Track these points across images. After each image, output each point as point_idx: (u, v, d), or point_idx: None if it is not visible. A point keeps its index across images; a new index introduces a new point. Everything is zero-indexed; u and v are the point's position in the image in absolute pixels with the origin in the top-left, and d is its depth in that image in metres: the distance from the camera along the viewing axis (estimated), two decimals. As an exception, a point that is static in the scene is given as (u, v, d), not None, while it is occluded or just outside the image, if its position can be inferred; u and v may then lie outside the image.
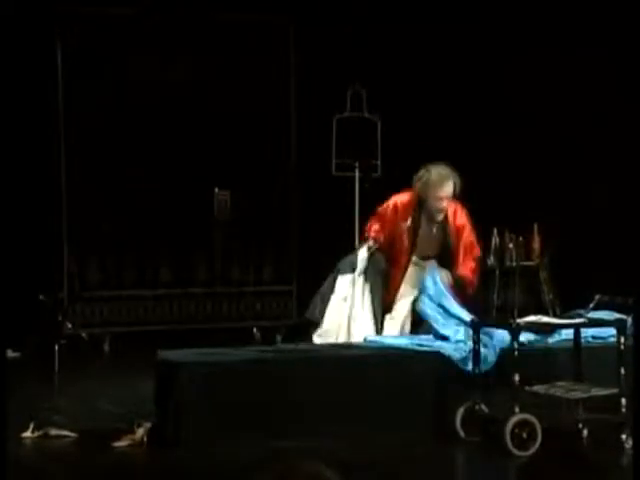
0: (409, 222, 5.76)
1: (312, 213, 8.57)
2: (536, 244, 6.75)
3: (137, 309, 8.19)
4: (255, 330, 8.34)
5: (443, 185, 5.67)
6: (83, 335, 8.00)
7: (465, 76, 8.11)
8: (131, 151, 8.17)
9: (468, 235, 5.77)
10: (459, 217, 5.78)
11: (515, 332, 5.01)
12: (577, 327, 5.22)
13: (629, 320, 5.03)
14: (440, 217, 5.75)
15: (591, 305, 5.25)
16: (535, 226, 6.94)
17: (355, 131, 8.45)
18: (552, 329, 5.27)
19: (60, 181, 8.07)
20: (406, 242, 5.77)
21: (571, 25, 7.58)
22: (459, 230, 5.76)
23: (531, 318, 5.20)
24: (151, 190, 8.19)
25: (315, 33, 8.45)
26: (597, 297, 5.25)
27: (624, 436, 4.95)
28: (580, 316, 5.23)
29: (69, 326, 7.89)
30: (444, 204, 5.68)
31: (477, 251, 5.77)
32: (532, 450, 4.89)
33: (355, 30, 8.43)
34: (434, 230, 5.79)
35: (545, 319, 5.25)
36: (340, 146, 8.48)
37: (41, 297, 7.70)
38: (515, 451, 4.89)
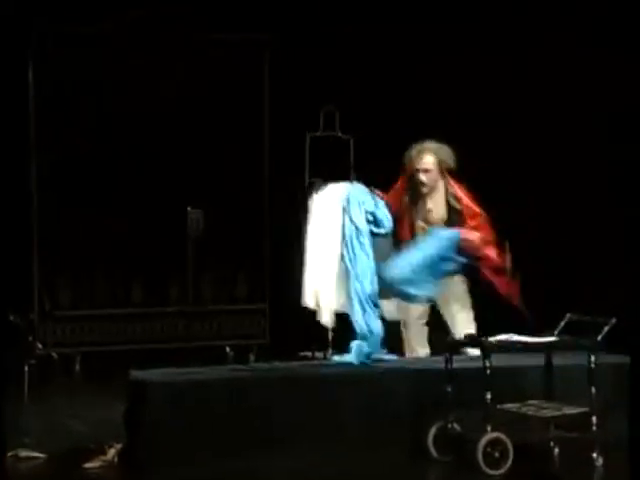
0: (406, 198, 5.97)
1: (285, 232, 8.58)
2: (508, 262, 6.77)
3: (108, 328, 8.15)
4: (228, 349, 8.31)
5: (421, 158, 5.88)
6: (53, 355, 7.95)
7: (437, 97, 8.16)
8: (103, 169, 8.15)
9: (467, 203, 5.89)
10: (457, 190, 5.92)
11: (487, 351, 5.03)
12: (548, 346, 5.25)
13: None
14: (424, 190, 5.89)
15: (562, 324, 5.28)
16: (506, 244, 6.96)
17: (328, 150, 8.48)
18: (523, 348, 5.30)
19: (31, 199, 8.03)
20: (406, 216, 5.95)
21: (526, 43, 7.64)
22: (458, 200, 5.90)
23: (502, 337, 5.22)
24: (123, 209, 8.16)
25: (289, 52, 8.49)
26: (568, 316, 5.29)
27: (595, 454, 4.98)
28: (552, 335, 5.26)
29: (39, 346, 7.83)
30: (423, 177, 5.83)
31: (480, 216, 5.86)
32: (504, 469, 4.90)
33: (329, 49, 8.47)
34: (429, 204, 5.91)
35: (516, 337, 5.28)
36: (313, 165, 8.50)
37: (11, 317, 7.64)
38: (487, 470, 4.90)
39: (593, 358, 5.05)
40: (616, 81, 6.94)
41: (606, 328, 5.06)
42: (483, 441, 4.90)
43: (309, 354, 8.07)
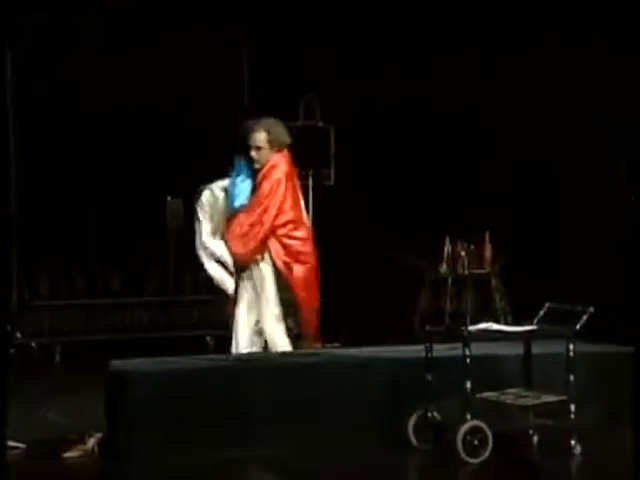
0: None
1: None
2: (488, 252, 6.81)
3: (88, 318, 8.12)
4: (208, 339, 8.31)
5: (251, 134, 5.72)
6: (33, 345, 7.92)
7: (416, 84, 8.17)
8: (82, 159, 8.12)
9: (261, 190, 5.68)
10: (267, 170, 5.72)
11: (467, 340, 5.05)
12: (527, 335, 5.28)
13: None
14: (256, 165, 5.76)
15: (541, 313, 5.31)
16: (487, 234, 7.00)
17: (308, 140, 8.47)
18: (503, 337, 5.32)
19: (9, 189, 7.98)
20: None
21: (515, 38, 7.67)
22: (259, 183, 5.72)
23: (482, 326, 5.25)
24: (103, 198, 8.14)
25: (268, 41, 8.47)
26: (547, 305, 5.31)
27: (573, 442, 5.01)
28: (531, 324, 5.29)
29: (18, 335, 7.80)
30: (254, 154, 5.72)
31: (257, 209, 5.66)
32: (483, 457, 4.93)
33: (308, 38, 8.46)
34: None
35: (496, 327, 5.30)
36: (293, 155, 8.49)
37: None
38: (467, 458, 4.93)
39: (571, 347, 5.08)
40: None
41: (584, 317, 5.09)
42: (463, 429, 4.92)
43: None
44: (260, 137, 5.68)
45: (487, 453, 4.92)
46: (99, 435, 5.14)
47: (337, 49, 8.44)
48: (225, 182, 5.88)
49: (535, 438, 5.20)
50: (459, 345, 5.04)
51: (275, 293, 5.71)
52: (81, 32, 8.06)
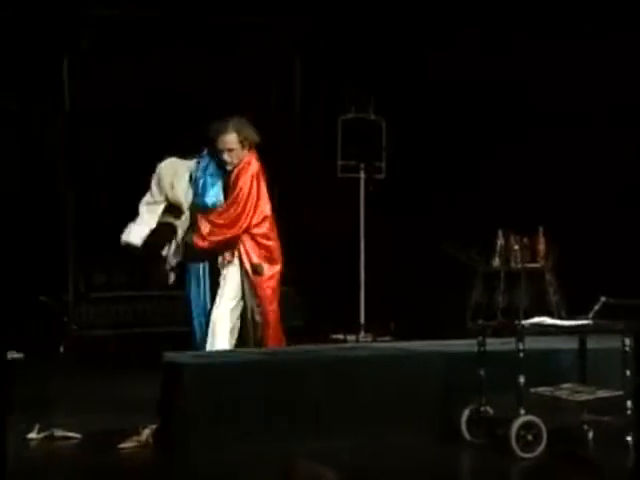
0: None
1: (317, 214, 8.58)
2: (541, 246, 6.73)
3: (143, 310, 8.20)
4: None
5: (221, 137, 5.61)
6: (88, 336, 8.01)
7: (471, 77, 8.11)
8: (136, 153, 8.18)
9: (237, 190, 5.58)
10: (242, 169, 5.62)
11: (520, 334, 5.01)
12: (582, 330, 5.22)
13: None
14: (229, 167, 5.66)
15: (596, 307, 5.25)
16: (540, 228, 6.92)
17: (360, 133, 8.46)
18: (557, 331, 5.27)
19: (66, 182, 8.09)
20: None
21: (566, 26, 7.57)
22: (234, 182, 5.62)
23: (535, 320, 5.20)
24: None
25: (321, 34, 8.47)
26: (602, 299, 5.25)
27: (629, 438, 4.95)
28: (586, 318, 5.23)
29: (74, 327, 7.90)
30: (227, 156, 5.61)
31: (232, 209, 5.58)
32: (537, 452, 4.89)
33: (361, 31, 8.44)
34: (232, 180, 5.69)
35: (549, 321, 5.25)
36: (345, 148, 8.48)
37: (42, 298, 7.71)
38: (520, 453, 4.89)
39: (627, 341, 5.01)
40: None
41: (641, 311, 5.02)
42: (516, 424, 4.89)
43: (341, 336, 8.09)
44: (231, 139, 5.58)
45: (541, 448, 4.88)
46: (153, 426, 5.19)
47: (389, 41, 8.41)
48: (190, 164, 5.74)
49: (590, 434, 5.15)
50: (512, 339, 5.00)
51: (235, 294, 5.63)
52: (134, 25, 8.12)
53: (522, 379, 4.91)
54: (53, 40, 7.91)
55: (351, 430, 5.11)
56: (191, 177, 5.71)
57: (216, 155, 5.65)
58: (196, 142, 8.13)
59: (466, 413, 5.14)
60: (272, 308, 5.73)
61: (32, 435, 5.25)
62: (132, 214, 8.15)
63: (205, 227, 5.58)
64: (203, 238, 5.59)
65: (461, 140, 8.28)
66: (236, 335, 5.65)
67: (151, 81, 8.19)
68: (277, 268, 5.77)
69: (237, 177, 5.60)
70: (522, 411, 4.92)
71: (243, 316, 5.66)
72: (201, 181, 5.67)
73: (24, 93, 7.90)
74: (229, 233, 5.59)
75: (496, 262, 7.17)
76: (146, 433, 5.16)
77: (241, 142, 5.57)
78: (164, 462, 5.05)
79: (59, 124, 8.01)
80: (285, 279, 8.72)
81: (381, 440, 5.08)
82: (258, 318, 5.64)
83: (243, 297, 5.65)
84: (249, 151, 5.62)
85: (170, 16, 8.21)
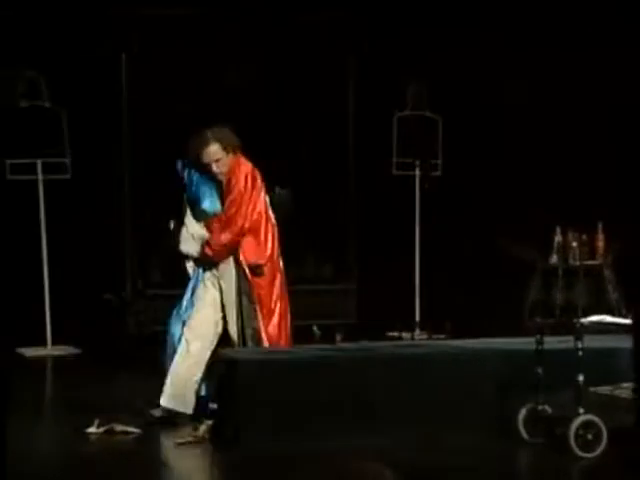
0: None
1: (372, 212, 8.57)
2: (600, 242, 6.64)
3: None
4: (315, 328, 8.35)
5: (205, 151, 5.55)
6: (146, 332, 8.09)
7: (529, 73, 8.03)
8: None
9: (229, 203, 5.54)
10: (233, 173, 5.57)
11: (579, 332, 4.95)
12: (643, 327, 5.14)
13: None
14: (220, 177, 5.60)
15: (657, 305, 5.16)
16: (599, 224, 6.83)
17: (416, 130, 8.42)
18: (616, 329, 5.19)
19: (123, 180, 8.18)
20: None
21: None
22: (231, 187, 5.57)
23: (595, 318, 5.13)
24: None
25: (376, 30, 8.45)
26: (663, 297, 5.16)
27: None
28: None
29: (133, 323, 7.98)
30: (214, 168, 5.55)
31: (227, 217, 5.54)
32: (597, 452, 4.83)
33: (417, 27, 8.40)
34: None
35: (609, 319, 5.18)
36: (401, 145, 8.45)
37: (106, 296, 7.79)
38: (580, 452, 4.83)
39: (690, 340, 4.92)
40: None
41: None
42: (576, 423, 4.83)
43: (396, 334, 8.07)
44: (215, 149, 5.53)
45: (601, 448, 4.82)
46: (210, 422, 5.22)
47: (445, 38, 8.36)
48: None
49: (651, 434, 5.06)
50: (570, 338, 4.94)
51: (235, 297, 5.57)
52: (192, 22, 8.17)
53: (581, 378, 4.84)
54: (109, 39, 8.00)
55: (407, 428, 5.09)
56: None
57: (202, 168, 5.60)
58: (249, 141, 8.21)
59: (523, 412, 5.10)
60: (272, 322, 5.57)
61: (92, 429, 5.31)
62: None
63: (210, 235, 5.57)
64: (209, 246, 5.58)
65: (518, 136, 8.20)
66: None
67: (201, 81, 8.23)
68: (269, 265, 5.60)
69: (230, 181, 5.57)
70: (581, 410, 4.85)
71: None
72: (196, 186, 5.63)
73: (83, 93, 8.00)
74: (231, 234, 5.53)
75: (554, 259, 7.08)
76: (202, 429, 5.20)
77: (225, 149, 5.54)
78: (220, 458, 5.08)
79: (118, 126, 8.09)
80: (340, 277, 8.77)
81: (437, 439, 5.05)
82: (250, 333, 5.53)
83: (240, 302, 5.56)
84: (235, 155, 5.58)
85: (223, 14, 8.25)
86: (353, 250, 8.62)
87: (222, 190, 5.60)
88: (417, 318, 8.40)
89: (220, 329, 5.60)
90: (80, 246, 6.21)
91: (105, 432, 5.30)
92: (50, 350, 7.80)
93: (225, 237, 5.55)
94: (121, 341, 7.08)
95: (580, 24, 7.75)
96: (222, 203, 5.60)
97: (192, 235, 5.65)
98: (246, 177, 5.60)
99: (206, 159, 5.55)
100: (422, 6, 8.38)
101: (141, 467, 4.96)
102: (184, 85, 8.21)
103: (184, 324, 5.60)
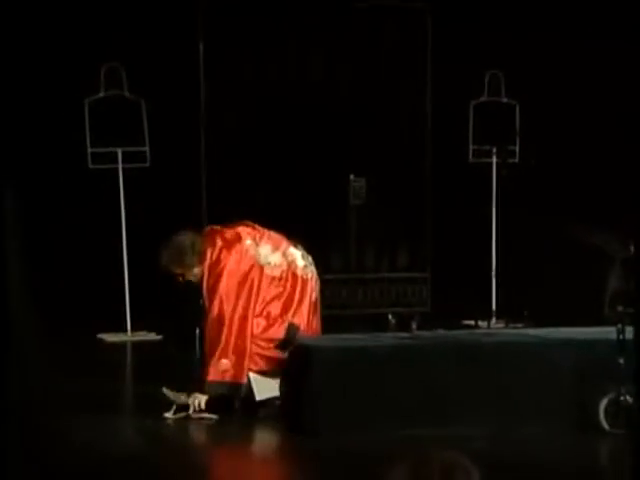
0: None
1: (448, 200, 8.49)
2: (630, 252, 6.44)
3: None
4: (390, 317, 8.32)
5: (171, 272, 5.57)
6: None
7: (604, 60, 7.86)
8: (269, 139, 8.27)
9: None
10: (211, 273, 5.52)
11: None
12: None
13: None
14: (195, 281, 5.59)
15: None
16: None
17: (493, 116, 8.31)
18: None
19: (200, 171, 8.25)
20: None
21: None
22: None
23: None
24: (288, 178, 8.28)
25: (452, 17, 8.36)
26: None
27: None
28: None
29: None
30: (187, 277, 5.56)
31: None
32: (680, 444, 4.71)
33: (493, 13, 8.29)
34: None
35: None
36: (477, 132, 8.36)
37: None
38: (662, 444, 4.72)
39: None
40: None
41: None
42: (658, 415, 4.71)
43: (472, 323, 7.99)
44: (179, 271, 5.52)
45: (684, 440, 4.69)
46: (198, 395, 5.27)
47: (522, 24, 8.23)
48: None
49: None
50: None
51: None
52: (268, 10, 8.17)
53: (664, 368, 4.72)
54: (188, 29, 8.05)
55: (481, 418, 5.03)
56: None
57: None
58: (326, 131, 8.19)
59: (604, 402, 5.00)
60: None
61: (168, 415, 5.37)
62: (266, 197, 8.25)
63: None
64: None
65: (596, 122, 8.04)
66: None
67: (283, 68, 8.23)
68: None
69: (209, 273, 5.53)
70: (664, 401, 4.74)
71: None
72: None
73: (160, 83, 8.07)
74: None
75: (634, 248, 6.92)
76: (196, 402, 5.23)
77: (187, 266, 5.50)
78: (296, 447, 5.08)
79: (195, 115, 8.14)
80: (415, 265, 8.71)
81: (514, 429, 4.98)
82: None
83: None
84: (199, 258, 5.50)
85: (295, 5, 8.23)
86: (429, 238, 8.55)
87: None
88: (494, 306, 8.31)
89: None
90: (159, 233, 6.24)
91: (181, 417, 5.36)
92: (130, 336, 7.92)
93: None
94: (200, 327, 7.11)
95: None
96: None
97: None
98: (210, 272, 5.49)
99: (178, 277, 5.57)
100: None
101: (213, 454, 5.01)
102: (262, 75, 8.23)
103: None
